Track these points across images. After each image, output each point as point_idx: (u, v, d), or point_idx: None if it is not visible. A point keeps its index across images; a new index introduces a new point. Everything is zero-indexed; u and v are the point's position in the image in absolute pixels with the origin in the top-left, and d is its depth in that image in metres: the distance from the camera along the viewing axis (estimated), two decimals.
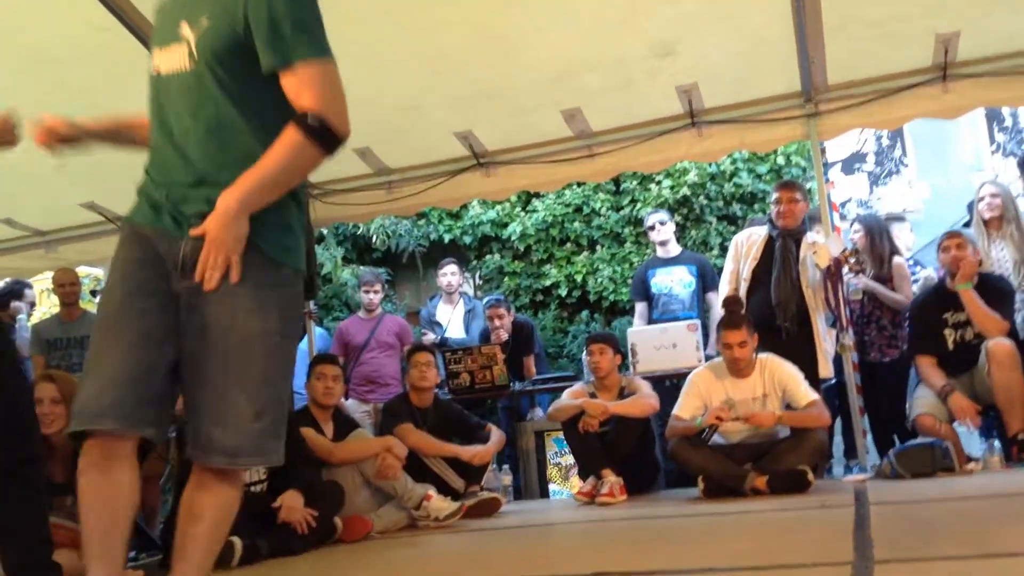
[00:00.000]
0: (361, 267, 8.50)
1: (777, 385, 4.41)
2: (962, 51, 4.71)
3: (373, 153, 5.69)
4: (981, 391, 4.54)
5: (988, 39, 4.70)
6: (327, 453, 4.17)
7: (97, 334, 1.86)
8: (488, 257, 8.71)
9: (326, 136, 1.82)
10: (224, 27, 1.85)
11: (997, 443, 4.50)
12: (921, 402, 4.66)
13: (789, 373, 4.42)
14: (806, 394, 4.35)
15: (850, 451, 5.25)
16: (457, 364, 5.71)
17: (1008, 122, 11.11)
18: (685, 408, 4.51)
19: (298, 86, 1.82)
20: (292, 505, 3.60)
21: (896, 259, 5.37)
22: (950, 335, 4.71)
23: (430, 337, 6.40)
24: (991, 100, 5.41)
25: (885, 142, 11.97)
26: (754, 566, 2.49)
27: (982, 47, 4.74)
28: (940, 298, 4.78)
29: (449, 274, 6.60)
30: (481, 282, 8.75)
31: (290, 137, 1.81)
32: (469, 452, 4.71)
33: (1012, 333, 4.59)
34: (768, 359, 4.49)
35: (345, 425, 4.45)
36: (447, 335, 6.46)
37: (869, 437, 5.21)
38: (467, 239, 8.76)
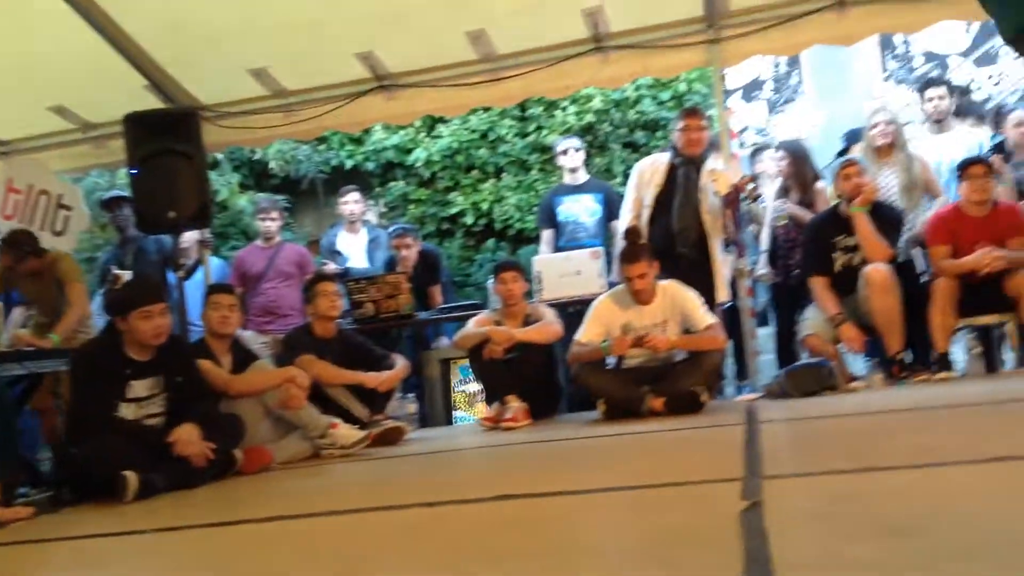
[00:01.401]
0: (259, 194, 8.24)
1: (677, 310, 4.51)
2: None
3: (269, 74, 5.48)
4: (862, 313, 4.75)
5: None
6: (225, 385, 4.08)
7: None
8: (392, 184, 8.56)
9: None
10: None
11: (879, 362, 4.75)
12: (809, 323, 4.87)
13: (688, 298, 4.52)
14: (704, 318, 4.47)
15: (742, 372, 5.43)
16: (361, 294, 5.64)
17: (900, 50, 11.48)
18: (588, 334, 4.57)
19: None
20: (187, 439, 3.52)
21: (818, 184, 5.50)
22: (839, 258, 4.89)
23: (331, 267, 6.27)
24: (885, 26, 5.58)
25: (783, 70, 12.18)
26: (650, 484, 2.56)
27: None
28: (833, 222, 4.94)
29: (351, 202, 6.46)
30: (385, 210, 8.61)
31: None
32: (374, 379, 4.68)
33: (895, 259, 4.79)
34: (669, 285, 4.58)
35: (243, 356, 4.35)
36: (349, 265, 6.36)
37: (761, 358, 5.40)
38: (370, 165, 8.58)
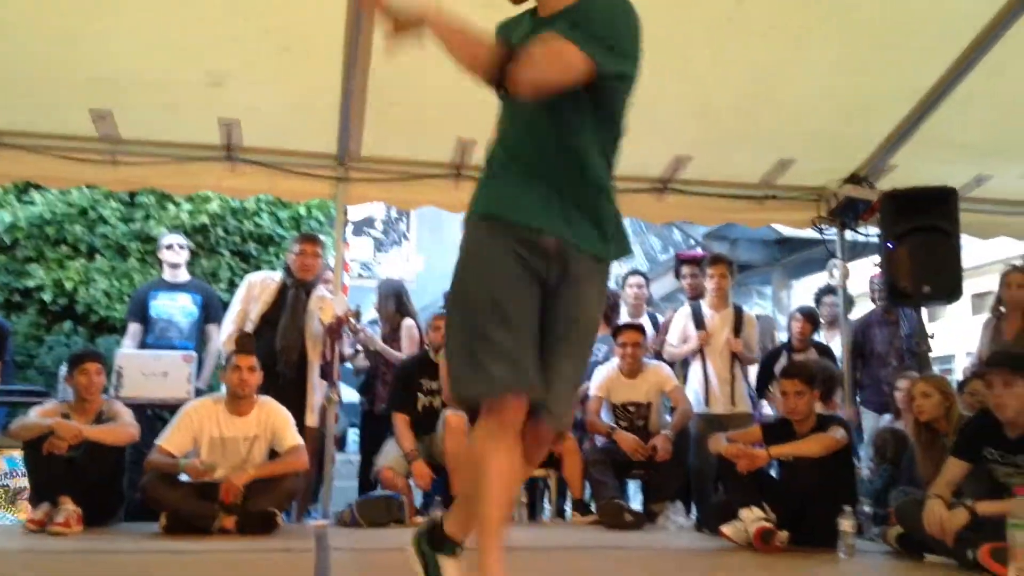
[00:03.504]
0: None
1: (270, 427, 4.56)
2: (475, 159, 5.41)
3: None
4: (436, 453, 5.16)
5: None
6: None
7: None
8: None
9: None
10: None
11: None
12: (385, 456, 5.17)
13: (282, 417, 4.62)
14: (291, 439, 4.56)
15: (315, 497, 5.51)
16: None
17: None
18: (172, 442, 4.42)
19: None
20: None
21: (406, 321, 5.91)
22: (422, 399, 5.30)
23: None
24: None
25: (394, 214, 13.02)
26: None
27: None
28: (421, 366, 5.38)
29: None
30: None
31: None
32: None
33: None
34: (267, 401, 4.63)
35: None
36: None
37: (336, 484, 5.56)
38: None
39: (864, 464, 5.13)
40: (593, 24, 2.08)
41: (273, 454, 4.58)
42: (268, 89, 4.87)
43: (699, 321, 5.77)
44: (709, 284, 5.82)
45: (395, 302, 5.99)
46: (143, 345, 5.66)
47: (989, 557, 3.34)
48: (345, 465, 6.64)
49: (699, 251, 8.69)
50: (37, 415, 4.47)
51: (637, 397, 5.52)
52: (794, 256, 10.98)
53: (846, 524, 3.89)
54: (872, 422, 5.78)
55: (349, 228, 11.15)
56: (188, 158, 5.31)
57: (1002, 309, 5.47)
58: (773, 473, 4.59)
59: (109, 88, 4.77)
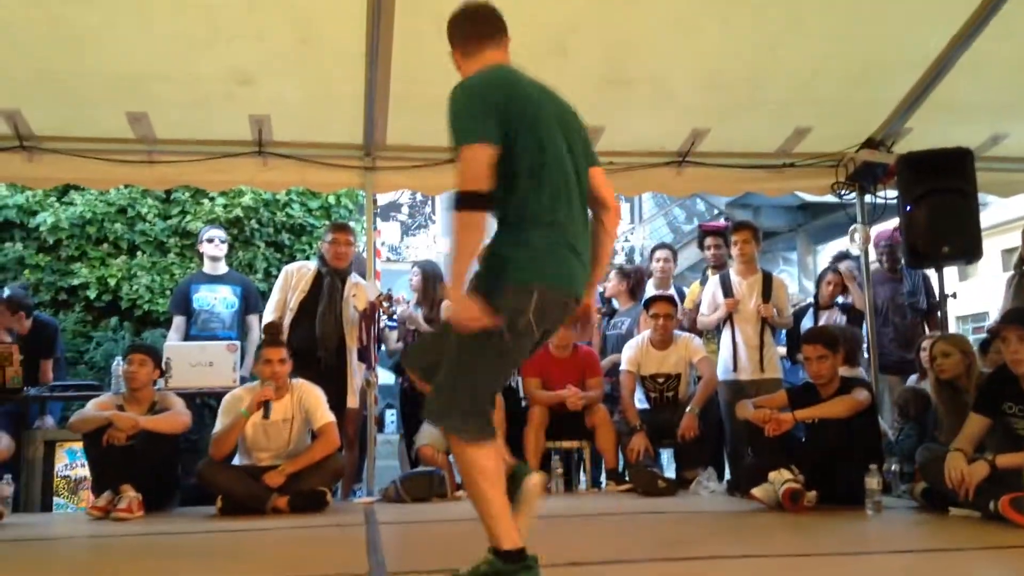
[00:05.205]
0: None
1: (304, 407, 4.79)
2: None
3: None
4: None
5: None
6: None
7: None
8: (8, 245, 7.81)
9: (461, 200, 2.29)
10: None
11: None
12: (424, 434, 5.35)
13: (314, 396, 4.84)
14: (323, 417, 4.78)
15: (358, 475, 5.73)
16: None
17: None
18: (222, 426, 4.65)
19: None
20: None
21: (444, 303, 6.06)
22: None
23: None
24: None
25: (419, 197, 13.21)
26: None
27: None
28: None
29: None
30: None
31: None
32: None
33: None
34: (300, 384, 4.85)
35: None
36: None
37: (378, 464, 5.77)
38: None
39: (888, 424, 5.24)
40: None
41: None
42: (294, 83, 5.04)
43: (727, 289, 5.79)
44: (734, 251, 5.85)
45: (434, 283, 6.11)
46: (187, 336, 5.89)
47: (1009, 507, 3.47)
48: (384, 445, 6.85)
49: (722, 222, 8.78)
50: (94, 408, 4.71)
51: (667, 368, 5.65)
52: (818, 221, 11.00)
53: (872, 482, 4.01)
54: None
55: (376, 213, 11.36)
56: (221, 155, 5.50)
57: None
58: (801, 436, 4.71)
59: (142, 90, 4.96)
